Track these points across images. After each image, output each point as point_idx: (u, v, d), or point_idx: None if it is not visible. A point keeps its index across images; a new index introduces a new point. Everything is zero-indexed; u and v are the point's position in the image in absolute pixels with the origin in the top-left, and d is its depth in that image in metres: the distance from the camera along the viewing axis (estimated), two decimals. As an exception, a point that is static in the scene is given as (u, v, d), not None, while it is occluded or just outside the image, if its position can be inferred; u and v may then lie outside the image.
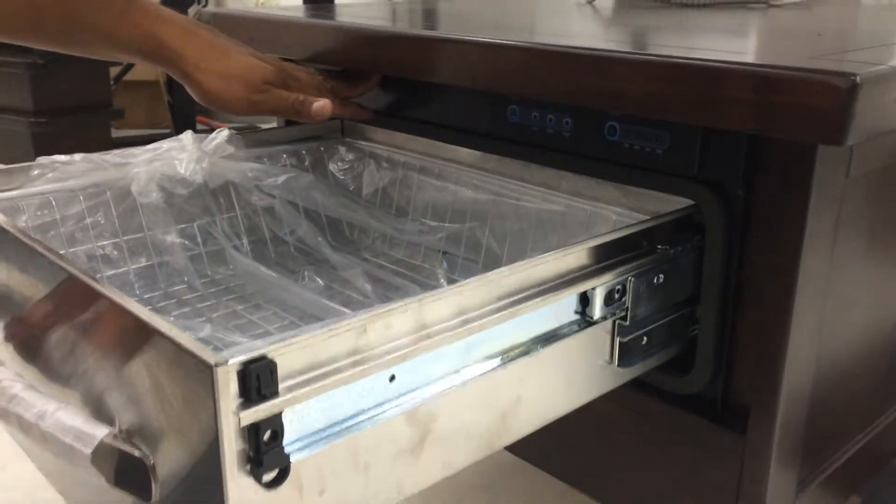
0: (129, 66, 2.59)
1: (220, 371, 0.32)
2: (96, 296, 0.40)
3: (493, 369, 0.48)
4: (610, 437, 0.68)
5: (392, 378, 0.43)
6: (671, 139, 0.58)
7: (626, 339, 0.56)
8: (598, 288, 0.53)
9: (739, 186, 0.56)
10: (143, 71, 2.71)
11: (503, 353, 0.49)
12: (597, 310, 0.53)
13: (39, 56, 2.07)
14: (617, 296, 0.54)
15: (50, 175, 0.69)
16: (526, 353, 0.50)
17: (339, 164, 0.83)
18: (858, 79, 0.45)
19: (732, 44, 0.67)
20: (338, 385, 0.40)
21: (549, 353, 0.51)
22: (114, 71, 2.46)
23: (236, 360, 0.34)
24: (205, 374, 0.32)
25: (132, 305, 0.37)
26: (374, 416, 0.42)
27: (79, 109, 2.21)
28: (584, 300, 0.53)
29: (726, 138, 0.56)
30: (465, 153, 0.77)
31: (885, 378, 0.75)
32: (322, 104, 0.70)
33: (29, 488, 1.06)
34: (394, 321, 0.42)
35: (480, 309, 0.47)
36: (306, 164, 0.83)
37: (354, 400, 0.42)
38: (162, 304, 0.71)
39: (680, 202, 0.60)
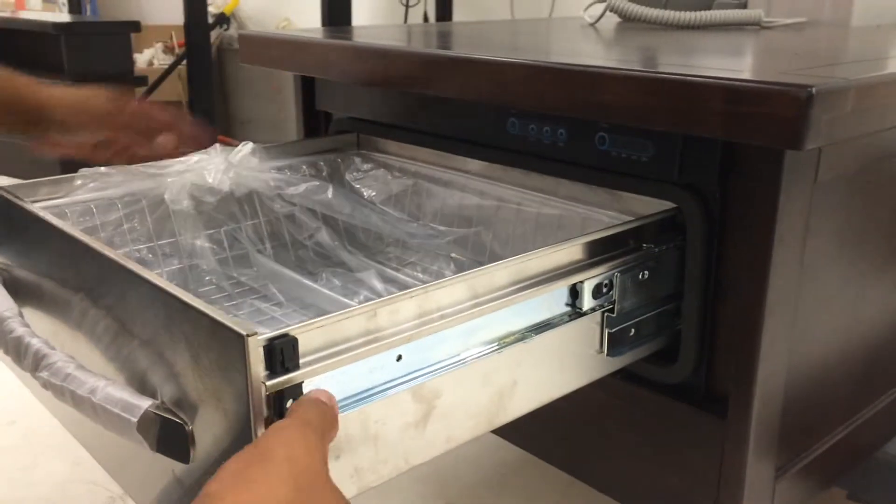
0: (155, 87, 2.69)
1: (251, 341, 0.38)
2: (143, 282, 0.46)
3: (491, 353, 0.54)
4: (603, 425, 0.74)
5: (399, 358, 0.49)
6: (655, 147, 0.64)
7: (614, 330, 0.61)
8: (587, 281, 0.58)
9: (716, 189, 0.62)
10: (167, 91, 2.81)
11: (500, 338, 0.55)
12: (585, 302, 0.59)
13: (69, 77, 2.16)
14: (605, 289, 0.60)
15: (91, 185, 0.75)
16: (521, 339, 0.56)
17: (355, 173, 0.90)
18: (814, 90, 0.50)
19: (715, 61, 0.73)
20: (351, 361, 0.46)
21: (543, 341, 0.57)
22: (139, 92, 2.55)
23: (264, 336, 0.40)
24: (238, 343, 0.38)
25: (176, 290, 0.43)
26: (383, 391, 0.48)
27: (106, 127, 2.29)
28: (574, 293, 0.59)
29: (703, 146, 0.61)
30: (470, 163, 0.83)
31: (863, 375, 0.79)
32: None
33: (59, 482, 1.12)
34: (401, 307, 0.48)
35: (478, 298, 0.52)
36: (324, 174, 0.89)
37: (366, 376, 0.47)
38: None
39: (664, 205, 0.66)
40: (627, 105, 0.60)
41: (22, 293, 0.63)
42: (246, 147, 0.83)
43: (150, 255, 0.77)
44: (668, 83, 0.58)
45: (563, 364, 0.59)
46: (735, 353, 0.63)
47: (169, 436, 0.45)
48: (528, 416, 0.57)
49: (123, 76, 2.35)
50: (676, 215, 0.65)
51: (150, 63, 2.94)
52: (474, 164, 0.83)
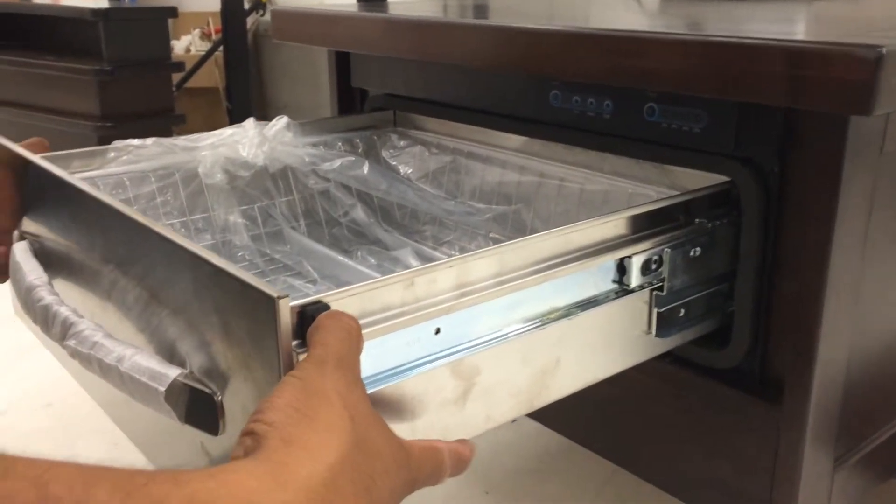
0: (191, 73, 2.69)
1: (281, 303, 0.35)
2: (174, 246, 0.44)
3: (533, 329, 0.51)
4: (648, 411, 0.70)
5: (438, 331, 0.47)
6: (708, 118, 0.61)
7: (663, 310, 0.58)
8: (635, 256, 0.55)
9: (774, 162, 0.58)
10: (204, 78, 2.82)
11: (543, 315, 0.52)
12: (633, 278, 0.56)
13: (107, 63, 2.17)
14: (654, 266, 0.57)
15: (125, 157, 0.74)
16: (565, 316, 0.53)
17: (391, 150, 0.87)
18: (885, 50, 0.47)
19: (770, 28, 0.69)
20: (387, 332, 0.43)
21: (588, 319, 0.54)
22: (176, 78, 2.56)
23: (296, 303, 0.38)
24: (268, 306, 0.36)
25: (207, 253, 0.41)
26: (420, 366, 0.46)
27: (143, 115, 2.31)
28: (622, 269, 0.56)
29: (761, 116, 0.58)
30: (510, 138, 0.80)
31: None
32: None
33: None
34: (439, 276, 0.46)
35: (520, 270, 0.50)
36: (360, 150, 0.87)
37: (403, 349, 0.45)
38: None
39: (716, 179, 0.62)
40: (679, 72, 0.57)
41: (52, 263, 0.61)
42: (280, 121, 0.81)
43: (183, 230, 0.76)
44: (723, 47, 0.54)
45: (609, 344, 0.56)
46: (792, 335, 0.60)
47: (198, 406, 0.43)
48: (569, 401, 0.55)
49: (161, 62, 2.36)
50: (731, 189, 0.61)
51: (188, 49, 2.95)
52: (514, 140, 0.81)
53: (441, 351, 0.47)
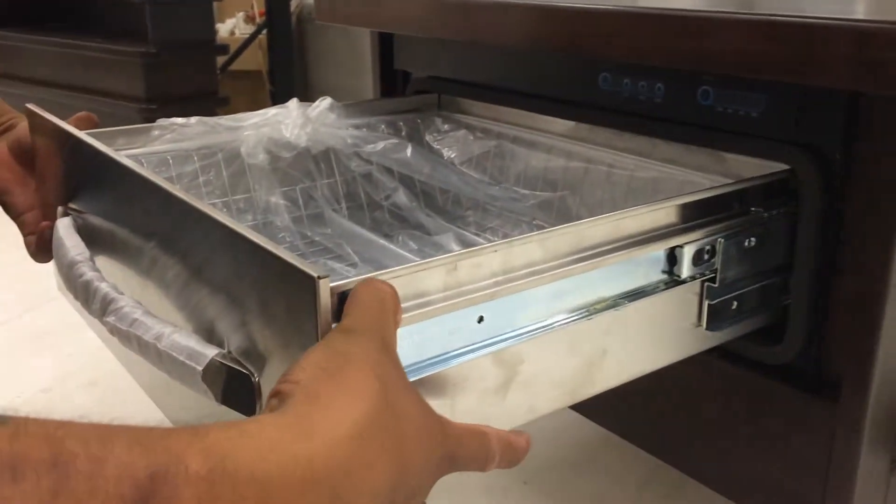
0: (235, 56, 2.70)
1: (321, 284, 0.34)
2: (215, 224, 0.43)
3: (580, 319, 0.49)
4: (696, 407, 0.68)
5: (481, 319, 0.45)
6: (767, 101, 0.58)
7: (714, 302, 0.56)
8: (687, 246, 0.53)
9: (837, 150, 0.55)
10: (248, 61, 2.83)
11: (590, 305, 0.50)
12: (685, 269, 0.54)
13: (153, 45, 2.19)
14: (706, 256, 0.54)
15: (168, 136, 0.74)
16: (612, 306, 0.51)
17: (435, 134, 0.86)
18: (966, 31, 0.44)
19: (837, 7, 0.66)
20: (427, 317, 0.42)
21: (636, 310, 0.52)
22: (220, 60, 2.57)
23: (336, 283, 0.37)
24: (308, 286, 0.35)
25: (249, 232, 0.40)
26: (462, 355, 0.44)
27: (187, 97, 2.32)
28: (673, 259, 0.54)
29: (824, 100, 0.55)
30: (556, 123, 0.78)
31: None
32: None
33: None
34: (484, 261, 0.44)
35: (566, 257, 0.48)
36: (403, 133, 0.86)
37: (445, 338, 0.44)
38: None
39: (774, 167, 0.59)
40: (737, 53, 0.54)
41: (95, 239, 0.61)
42: (324, 102, 0.80)
43: (225, 210, 0.75)
44: (785, 27, 0.52)
45: (657, 336, 0.54)
46: (852, 333, 0.57)
47: (235, 387, 0.42)
48: (612, 394, 0.53)
49: (205, 45, 2.37)
50: (789, 178, 0.59)
51: (232, 32, 2.97)
52: (561, 125, 0.78)
53: (484, 340, 0.45)
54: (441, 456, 0.36)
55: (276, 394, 0.32)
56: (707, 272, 0.55)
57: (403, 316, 0.40)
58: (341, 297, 0.37)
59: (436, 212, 0.82)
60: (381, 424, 0.32)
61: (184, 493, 0.25)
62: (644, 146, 0.70)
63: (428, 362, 0.43)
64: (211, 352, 0.43)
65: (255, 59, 2.86)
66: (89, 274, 0.54)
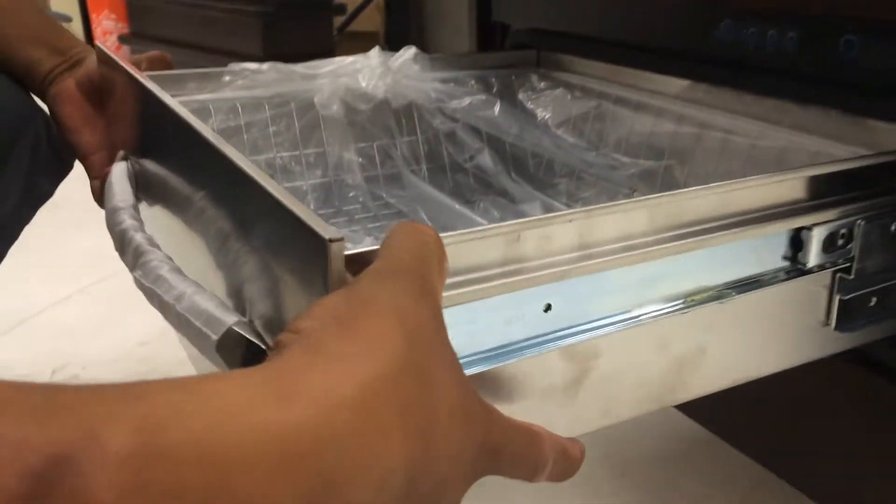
0: (353, 17, 2.67)
1: (333, 248, 0.27)
2: (242, 175, 0.37)
3: (673, 312, 0.41)
4: (817, 418, 0.58)
5: (548, 308, 0.37)
6: (933, 55, 0.47)
7: (848, 297, 0.46)
8: (817, 228, 0.43)
9: None
10: (364, 22, 2.80)
11: (687, 295, 0.42)
12: (812, 255, 0.44)
13: (271, 5, 2.18)
14: (841, 241, 0.44)
15: (240, 82, 0.69)
16: (716, 298, 0.42)
17: (530, 92, 0.77)
18: None
19: None
20: (481, 296, 0.34)
21: (747, 303, 0.43)
22: (337, 21, 2.55)
23: (354, 251, 0.30)
24: (320, 249, 0.28)
25: (267, 181, 0.34)
26: (522, 350, 0.37)
27: (303, 57, 2.31)
28: (797, 244, 0.44)
29: None
30: (667, 82, 0.68)
31: None
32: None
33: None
34: (554, 232, 0.36)
35: (661, 233, 0.39)
36: (494, 90, 0.78)
37: (501, 329, 0.36)
38: (333, 220, 0.70)
39: (936, 137, 0.48)
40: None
41: (149, 187, 0.57)
42: (408, 52, 0.73)
43: (294, 164, 0.70)
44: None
45: (772, 336, 0.45)
46: None
47: (250, 361, 0.37)
48: (719, 394, 0.44)
49: (323, 5, 2.35)
50: (955, 151, 0.47)
51: (350, -7, 2.94)
52: (673, 84, 0.68)
53: (551, 333, 0.38)
54: (481, 447, 0.27)
55: (275, 345, 0.24)
56: (840, 261, 0.45)
57: (450, 294, 0.33)
58: (359, 265, 0.30)
59: (524, 178, 0.74)
60: (401, 390, 0.23)
61: (96, 481, 0.18)
62: (770, 110, 0.60)
63: (480, 356, 0.36)
64: (230, 319, 0.37)
65: (372, 21, 2.83)
66: (127, 223, 0.49)
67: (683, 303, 0.41)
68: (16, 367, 1.12)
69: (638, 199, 0.39)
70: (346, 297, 0.25)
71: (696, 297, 0.42)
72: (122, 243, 0.48)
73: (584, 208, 0.36)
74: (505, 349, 0.36)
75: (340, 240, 0.27)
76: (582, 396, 0.39)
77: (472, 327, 0.35)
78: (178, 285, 0.41)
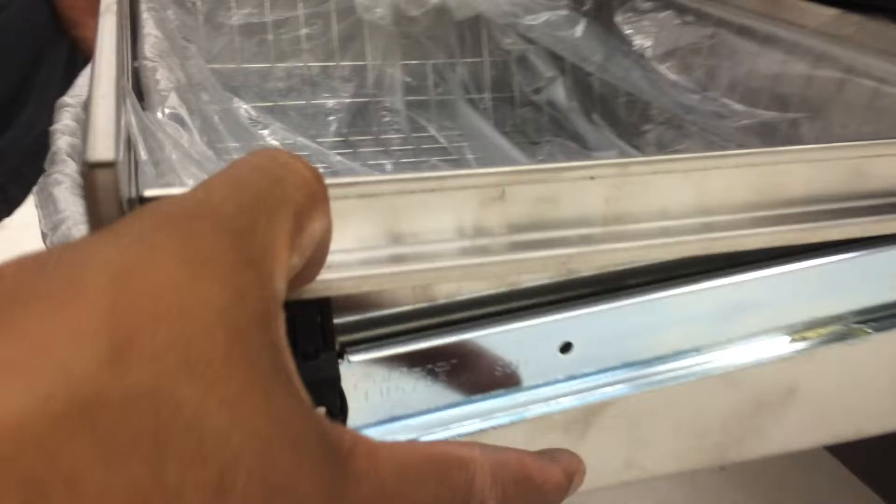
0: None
1: (100, 175, 0.15)
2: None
3: (770, 358, 0.27)
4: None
5: (567, 348, 0.24)
6: None
7: None
8: None
9: None
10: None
11: (795, 327, 0.27)
12: None
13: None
14: None
15: (270, -27, 0.57)
16: (842, 338, 0.28)
17: (630, 13, 0.62)
18: None
19: None
20: (442, 293, 0.22)
21: (886, 343, 0.28)
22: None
23: (153, 191, 0.18)
24: (87, 176, 0.16)
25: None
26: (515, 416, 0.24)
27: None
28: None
29: None
30: (807, 9, 0.52)
31: None
32: None
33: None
34: (564, 192, 0.23)
35: (742, 213, 0.25)
36: (585, 8, 0.63)
37: (488, 377, 0.24)
38: (364, 149, 0.58)
39: None
40: None
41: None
42: (479, -49, 0.59)
43: (325, 77, 0.58)
44: None
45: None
46: None
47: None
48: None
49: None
50: None
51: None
52: (814, 13, 0.52)
53: (567, 379, 0.25)
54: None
55: None
56: None
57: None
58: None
59: (605, 119, 0.60)
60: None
61: None
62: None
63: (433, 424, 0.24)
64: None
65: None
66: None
67: (789, 336, 0.27)
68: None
69: (718, 153, 0.25)
70: (57, 255, 0.13)
71: (811, 334, 0.28)
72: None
73: (615, 160, 0.23)
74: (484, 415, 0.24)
75: (111, 164, 0.15)
76: (592, 437, 0.27)
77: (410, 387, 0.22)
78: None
